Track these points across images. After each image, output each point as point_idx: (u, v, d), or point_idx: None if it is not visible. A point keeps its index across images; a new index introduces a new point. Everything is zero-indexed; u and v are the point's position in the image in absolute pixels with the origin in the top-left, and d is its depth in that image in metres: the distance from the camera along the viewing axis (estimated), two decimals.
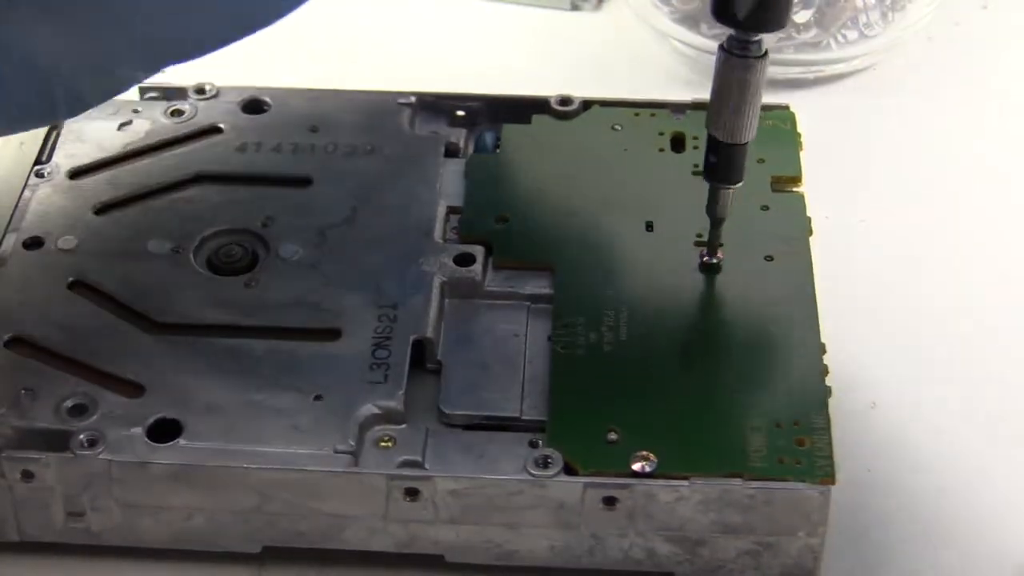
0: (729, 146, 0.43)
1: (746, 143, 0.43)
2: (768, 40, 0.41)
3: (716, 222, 0.45)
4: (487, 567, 0.42)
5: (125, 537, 0.41)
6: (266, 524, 0.41)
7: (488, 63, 0.48)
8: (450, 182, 0.48)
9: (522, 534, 0.41)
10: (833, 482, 0.40)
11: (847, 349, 0.45)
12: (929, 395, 0.47)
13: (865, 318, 0.48)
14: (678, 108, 0.50)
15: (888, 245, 0.51)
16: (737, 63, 0.41)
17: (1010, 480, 0.45)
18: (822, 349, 0.43)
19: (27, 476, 0.40)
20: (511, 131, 0.49)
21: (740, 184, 0.44)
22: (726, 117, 0.42)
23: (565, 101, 0.50)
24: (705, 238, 0.45)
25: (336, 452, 0.40)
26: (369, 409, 0.41)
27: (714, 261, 0.45)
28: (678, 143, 0.49)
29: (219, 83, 0.50)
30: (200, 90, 0.50)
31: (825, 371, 0.42)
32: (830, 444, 0.40)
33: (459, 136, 0.50)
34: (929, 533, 0.43)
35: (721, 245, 0.45)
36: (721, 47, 0.41)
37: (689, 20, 0.58)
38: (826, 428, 0.41)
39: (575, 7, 0.60)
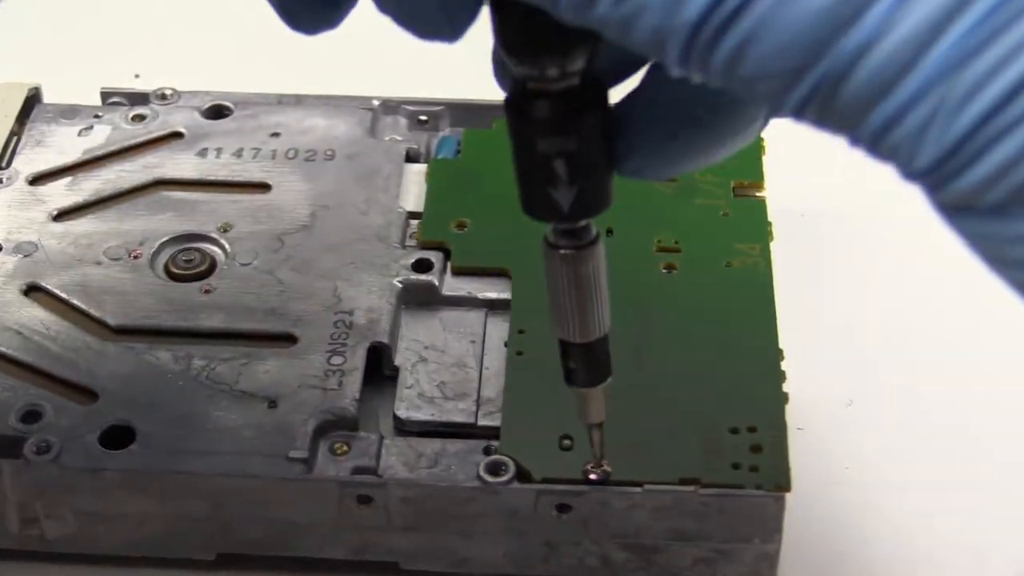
0: (585, 345, 0.37)
1: (599, 340, 0.37)
2: None
3: (594, 427, 0.39)
4: (441, 574, 0.42)
5: (79, 544, 0.41)
6: (220, 531, 0.41)
7: (455, 68, 0.48)
8: (410, 187, 0.48)
9: (476, 541, 0.41)
10: (788, 490, 0.39)
11: (823, 349, 0.45)
12: (905, 393, 0.47)
13: (834, 319, 0.48)
14: None
15: (864, 241, 0.51)
16: (569, 257, 0.35)
17: (981, 477, 0.45)
18: (780, 355, 0.43)
19: None
20: (472, 136, 0.49)
21: (610, 379, 0.38)
22: (572, 318, 0.36)
23: None
24: (665, 244, 0.45)
25: (289, 459, 0.40)
26: (323, 416, 0.41)
27: (597, 477, 0.40)
28: None
29: (182, 88, 0.50)
30: (162, 96, 0.50)
31: (783, 377, 0.42)
32: (786, 451, 0.40)
33: (420, 141, 0.50)
34: (901, 530, 0.43)
35: (603, 458, 0.40)
36: (546, 241, 0.35)
37: None
38: (782, 435, 0.41)
39: None
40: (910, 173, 0.27)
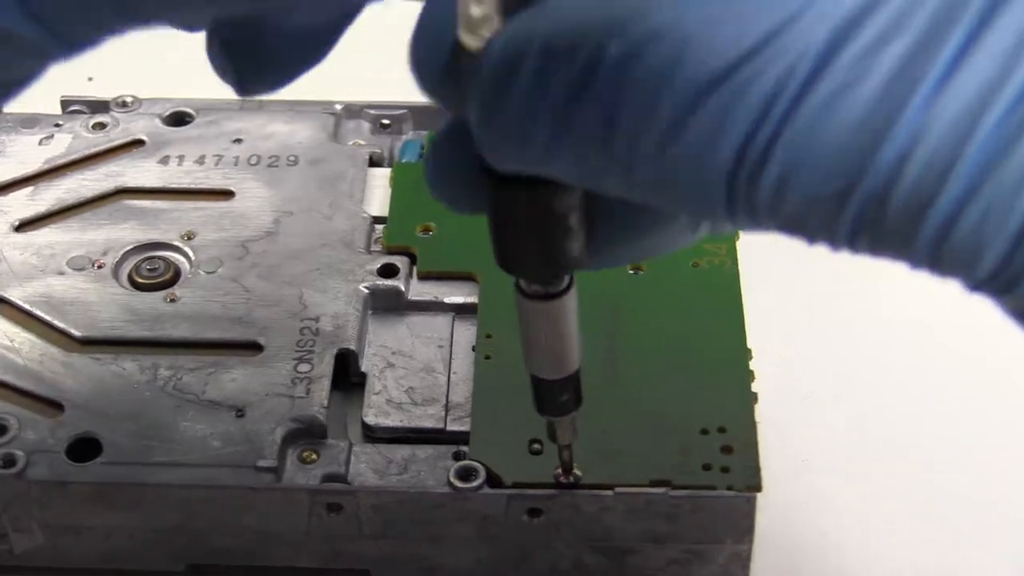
0: (559, 380, 0.37)
1: (575, 371, 0.37)
2: None
3: (564, 448, 0.39)
4: None
5: (48, 558, 0.41)
6: (189, 542, 0.41)
7: None
8: (375, 192, 0.47)
9: (447, 547, 0.40)
10: (759, 490, 0.39)
11: (781, 343, 0.45)
12: (861, 385, 0.47)
13: (794, 312, 0.49)
14: None
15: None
16: (547, 308, 0.34)
17: (936, 466, 0.45)
18: (748, 355, 0.43)
19: None
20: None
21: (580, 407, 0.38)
22: (548, 358, 0.36)
23: None
24: None
25: (257, 469, 0.40)
26: (291, 424, 0.41)
27: (571, 480, 0.40)
28: None
29: (142, 95, 0.50)
30: (123, 103, 0.50)
31: (751, 376, 0.42)
32: (756, 451, 0.40)
33: (383, 145, 0.49)
34: (865, 520, 0.43)
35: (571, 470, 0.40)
36: (519, 290, 0.34)
37: None
38: (752, 435, 0.41)
39: None
40: (977, 283, 0.26)
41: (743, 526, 0.40)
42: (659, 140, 0.26)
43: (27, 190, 0.47)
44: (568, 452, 0.39)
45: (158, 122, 0.49)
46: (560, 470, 0.40)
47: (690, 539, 0.40)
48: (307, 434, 0.41)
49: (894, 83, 0.24)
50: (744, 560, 0.41)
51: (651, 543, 0.40)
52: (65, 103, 0.50)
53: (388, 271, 0.45)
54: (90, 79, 0.56)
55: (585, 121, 0.26)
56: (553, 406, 0.37)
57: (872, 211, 0.25)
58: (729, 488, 0.39)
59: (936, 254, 0.25)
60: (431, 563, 0.41)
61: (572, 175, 0.28)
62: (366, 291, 0.44)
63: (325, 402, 0.41)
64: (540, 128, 0.27)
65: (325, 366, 0.42)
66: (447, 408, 0.42)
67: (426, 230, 0.46)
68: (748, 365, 0.42)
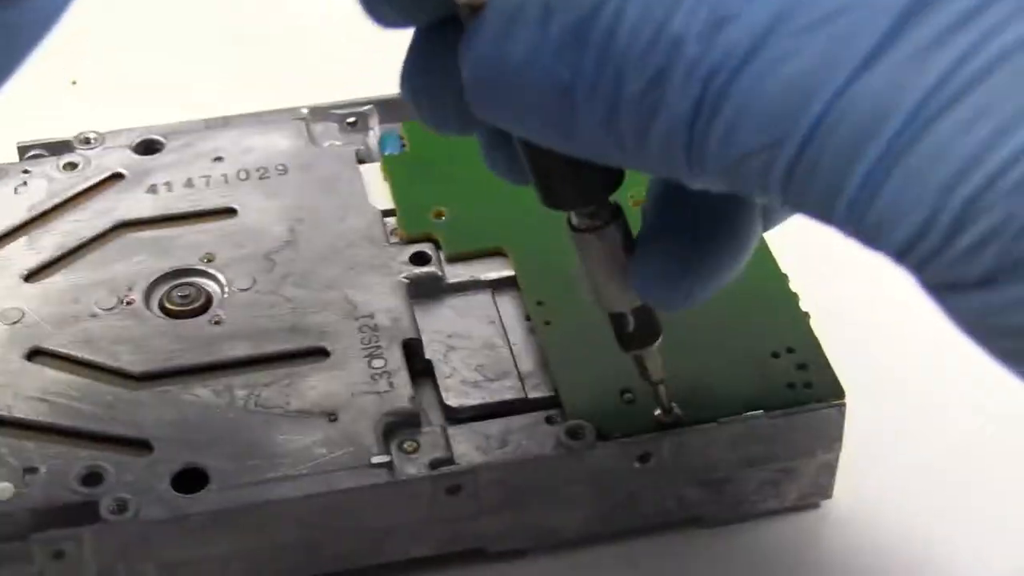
0: (635, 310, 0.38)
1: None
2: None
3: (658, 384, 0.40)
4: (524, 551, 0.42)
5: None
6: (306, 554, 0.40)
7: (361, 67, 0.48)
8: (372, 187, 0.48)
9: (560, 509, 0.41)
10: (844, 396, 0.41)
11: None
12: (926, 411, 0.47)
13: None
14: None
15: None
16: (604, 234, 0.36)
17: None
18: (785, 279, 0.45)
19: (58, 556, 0.38)
20: (412, 128, 0.49)
21: (661, 337, 0.39)
22: (619, 290, 0.37)
23: None
24: (638, 198, 0.46)
25: (372, 466, 0.40)
26: (387, 419, 0.41)
27: (671, 420, 0.41)
28: None
29: (101, 129, 0.49)
30: (86, 140, 0.48)
31: (797, 298, 0.44)
32: (828, 363, 0.42)
33: (356, 142, 0.50)
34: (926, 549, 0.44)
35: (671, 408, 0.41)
36: (572, 227, 0.36)
37: None
38: (819, 349, 0.43)
39: None
40: (895, 254, 0.28)
41: (833, 435, 0.42)
42: (643, 88, 0.29)
43: (22, 240, 0.45)
44: (663, 388, 0.40)
45: (130, 153, 0.48)
46: (660, 411, 0.41)
47: (785, 456, 0.42)
48: (402, 426, 0.41)
49: (824, 57, 0.27)
50: (832, 468, 0.43)
51: (748, 468, 0.42)
52: (23, 149, 0.48)
53: (421, 259, 0.45)
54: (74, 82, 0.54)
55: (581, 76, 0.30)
56: (634, 338, 0.39)
57: (799, 169, 0.28)
58: (818, 401, 0.41)
59: (855, 220, 0.28)
60: (543, 528, 0.41)
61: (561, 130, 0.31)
62: (406, 281, 0.44)
63: (412, 392, 0.41)
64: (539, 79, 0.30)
65: (397, 358, 0.42)
66: (521, 378, 0.43)
67: (439, 215, 0.46)
68: (789, 287, 0.44)
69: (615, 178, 0.35)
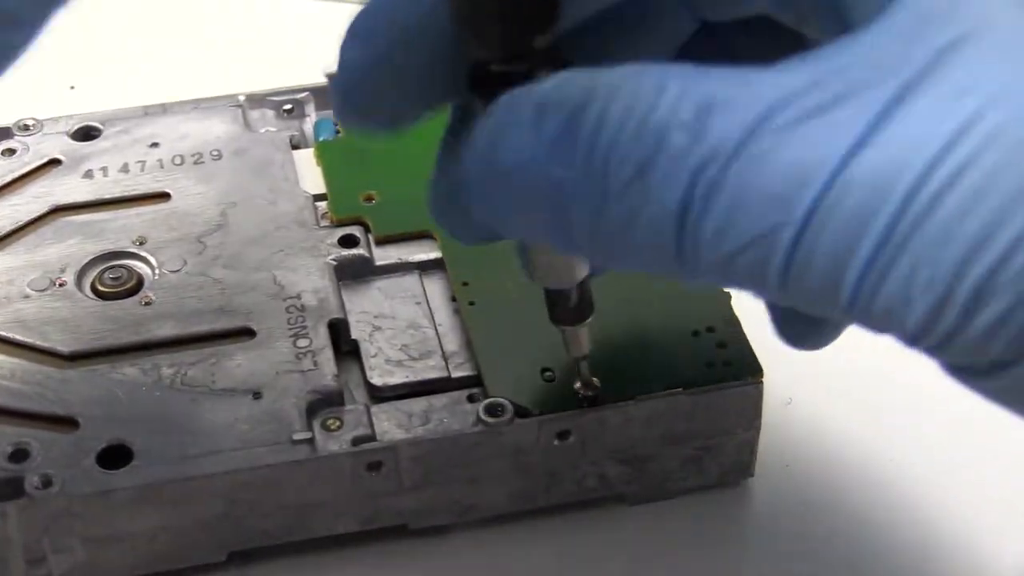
0: (570, 288, 0.39)
1: (584, 278, 0.39)
2: None
3: (580, 360, 0.41)
4: (447, 528, 0.43)
5: (90, 574, 0.41)
6: (231, 529, 0.41)
7: (295, 56, 0.49)
8: (304, 172, 0.48)
9: (481, 486, 0.42)
10: (762, 374, 0.42)
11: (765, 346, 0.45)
12: (844, 390, 0.47)
13: None
14: None
15: None
16: None
17: (928, 469, 0.45)
18: None
19: None
20: None
21: (591, 319, 0.40)
22: (558, 267, 0.38)
23: None
24: None
25: (294, 442, 0.40)
26: (310, 396, 0.42)
27: (591, 394, 0.42)
28: None
29: (40, 116, 0.49)
30: (24, 126, 0.49)
31: None
32: (747, 341, 0.43)
33: (292, 129, 0.50)
34: (848, 526, 0.44)
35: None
36: None
37: None
38: (739, 328, 0.43)
39: None
40: (908, 336, 0.28)
41: (752, 413, 0.43)
42: (629, 179, 0.29)
43: None
44: (586, 364, 0.41)
45: (67, 139, 0.49)
46: (580, 384, 0.42)
47: (705, 434, 0.42)
48: (325, 404, 0.42)
49: (816, 145, 0.28)
50: (752, 446, 0.43)
51: (669, 446, 0.42)
52: None
53: (349, 241, 0.46)
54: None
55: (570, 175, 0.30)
56: (567, 315, 0.40)
57: (797, 259, 0.28)
58: (736, 379, 0.42)
59: (861, 307, 0.28)
60: (465, 504, 0.42)
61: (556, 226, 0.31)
62: (334, 263, 0.45)
63: (335, 370, 0.42)
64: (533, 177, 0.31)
65: (322, 338, 0.43)
66: (445, 358, 0.43)
67: (369, 199, 0.47)
68: None
69: None
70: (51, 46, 0.52)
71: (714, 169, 0.28)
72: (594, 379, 0.41)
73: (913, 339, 0.28)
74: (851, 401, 0.46)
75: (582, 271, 0.38)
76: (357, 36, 0.34)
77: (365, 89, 0.34)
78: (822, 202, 0.27)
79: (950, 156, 0.27)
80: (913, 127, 0.27)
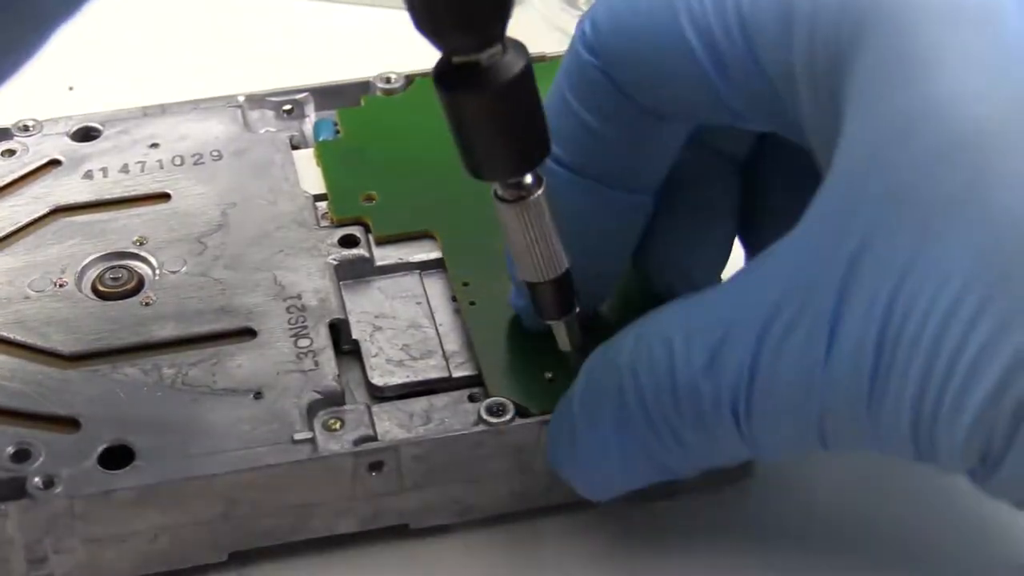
0: (552, 282, 0.40)
1: (564, 272, 0.40)
2: None
3: (573, 354, 0.42)
4: (448, 527, 0.43)
5: (89, 575, 0.41)
6: (232, 529, 0.41)
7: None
8: (305, 173, 0.48)
9: (483, 486, 0.42)
10: None
11: None
12: None
13: None
14: None
15: None
16: (526, 205, 0.38)
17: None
18: None
19: None
20: (346, 115, 0.50)
21: (576, 311, 0.41)
22: (538, 260, 0.39)
23: (387, 79, 0.51)
24: None
25: (295, 442, 0.41)
26: (311, 396, 0.42)
27: None
28: None
29: (39, 117, 0.49)
30: (24, 127, 0.49)
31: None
32: None
33: (291, 129, 0.50)
34: (849, 525, 0.44)
35: None
36: (497, 197, 0.38)
37: None
38: None
39: None
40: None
41: None
42: (692, 426, 0.37)
43: None
44: (580, 358, 0.41)
45: (67, 140, 0.49)
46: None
47: None
48: (326, 404, 0.42)
49: (801, 355, 0.35)
50: None
51: None
52: None
53: (349, 241, 0.46)
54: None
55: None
56: (551, 309, 0.41)
57: (828, 438, 0.36)
58: None
59: (896, 447, 0.35)
60: (466, 504, 0.42)
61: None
62: (335, 263, 0.45)
63: (336, 370, 0.42)
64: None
65: (323, 338, 0.43)
66: (446, 357, 0.43)
67: (369, 199, 0.47)
68: None
69: (540, 150, 0.37)
70: (50, 47, 0.52)
71: (743, 398, 0.36)
72: None
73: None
74: None
75: (560, 266, 0.39)
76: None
77: None
78: (824, 406, 0.35)
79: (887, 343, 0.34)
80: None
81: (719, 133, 0.42)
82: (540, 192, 0.38)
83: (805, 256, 0.35)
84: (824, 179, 0.35)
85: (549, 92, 0.40)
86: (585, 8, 0.58)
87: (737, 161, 0.43)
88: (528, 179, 0.38)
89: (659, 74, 0.38)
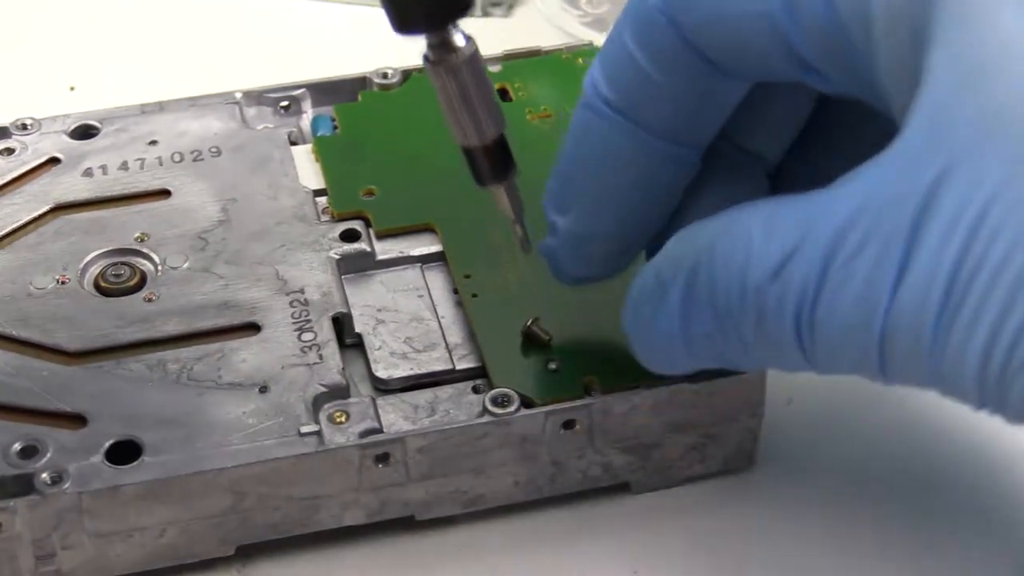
0: (486, 146, 0.41)
1: (496, 139, 0.41)
2: None
3: (514, 223, 0.43)
4: (454, 518, 0.43)
5: (97, 570, 0.41)
6: (240, 523, 0.41)
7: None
8: (303, 168, 0.49)
9: (488, 476, 0.42)
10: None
11: None
12: (844, 390, 0.46)
13: None
14: (491, 62, 0.52)
15: None
16: (455, 65, 0.39)
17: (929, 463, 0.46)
18: None
19: None
20: (344, 110, 0.50)
21: (512, 176, 0.42)
22: (470, 123, 0.40)
23: (384, 75, 0.51)
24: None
25: (301, 435, 0.41)
26: (316, 389, 0.42)
27: (528, 253, 0.44)
28: (503, 93, 0.51)
29: (37, 116, 0.49)
30: (23, 126, 0.49)
31: None
32: None
33: (289, 125, 0.51)
34: (849, 516, 0.44)
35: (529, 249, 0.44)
36: (427, 60, 0.39)
37: (599, 24, 0.59)
38: None
39: (486, 13, 0.60)
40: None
41: (755, 400, 0.43)
42: (753, 325, 0.36)
43: None
44: (521, 226, 0.42)
45: (66, 138, 0.49)
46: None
47: (708, 422, 0.43)
48: (331, 397, 0.42)
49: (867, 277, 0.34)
50: (755, 434, 0.44)
51: (673, 433, 0.43)
52: None
53: (350, 236, 0.46)
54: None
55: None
56: (487, 173, 0.41)
57: (886, 357, 0.34)
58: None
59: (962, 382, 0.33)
60: (472, 495, 0.42)
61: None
62: (336, 257, 0.45)
63: (341, 364, 0.42)
64: None
65: (327, 332, 0.43)
66: (449, 350, 0.44)
67: (369, 193, 0.47)
68: None
69: (460, 6, 0.38)
70: (48, 46, 0.52)
71: (807, 312, 0.35)
72: (532, 243, 0.43)
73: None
74: (851, 401, 0.46)
75: (489, 131, 0.40)
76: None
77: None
78: (887, 332, 0.34)
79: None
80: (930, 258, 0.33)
81: (752, 130, 0.42)
82: (468, 56, 0.39)
83: (887, 174, 0.34)
84: (907, 116, 0.34)
85: (609, 35, 0.39)
86: (586, 7, 0.59)
87: (767, 162, 0.42)
88: (459, 43, 0.39)
89: (726, 18, 0.37)
